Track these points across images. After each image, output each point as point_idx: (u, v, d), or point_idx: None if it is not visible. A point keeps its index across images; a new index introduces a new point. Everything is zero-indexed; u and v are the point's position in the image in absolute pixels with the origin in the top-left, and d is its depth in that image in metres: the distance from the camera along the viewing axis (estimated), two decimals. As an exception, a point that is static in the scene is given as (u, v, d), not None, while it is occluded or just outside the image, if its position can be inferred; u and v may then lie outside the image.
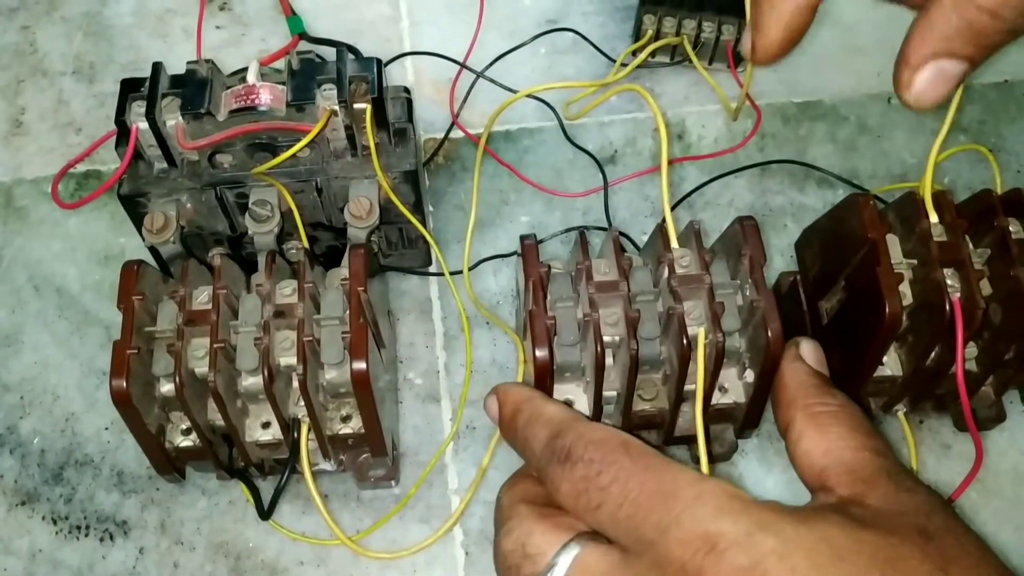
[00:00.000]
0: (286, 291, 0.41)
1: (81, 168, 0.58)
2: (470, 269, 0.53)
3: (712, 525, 0.29)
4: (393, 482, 0.47)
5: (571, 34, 0.63)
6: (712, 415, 0.43)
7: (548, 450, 0.34)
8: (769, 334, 0.38)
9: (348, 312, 0.40)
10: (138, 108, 0.43)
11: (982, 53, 0.31)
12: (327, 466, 0.44)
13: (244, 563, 0.46)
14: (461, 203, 0.56)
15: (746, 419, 0.43)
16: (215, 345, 0.38)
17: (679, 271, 0.40)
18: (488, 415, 0.40)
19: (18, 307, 0.53)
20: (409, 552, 0.45)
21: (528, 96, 0.60)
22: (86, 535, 0.47)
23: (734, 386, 0.42)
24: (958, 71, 0.31)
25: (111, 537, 0.47)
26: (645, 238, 0.54)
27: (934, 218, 0.41)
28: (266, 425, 0.42)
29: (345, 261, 0.44)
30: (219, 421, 0.40)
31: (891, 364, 0.44)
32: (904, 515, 0.30)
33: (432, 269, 0.54)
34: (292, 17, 0.62)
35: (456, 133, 0.59)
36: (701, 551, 0.28)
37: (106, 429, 0.50)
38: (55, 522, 0.47)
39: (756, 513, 0.29)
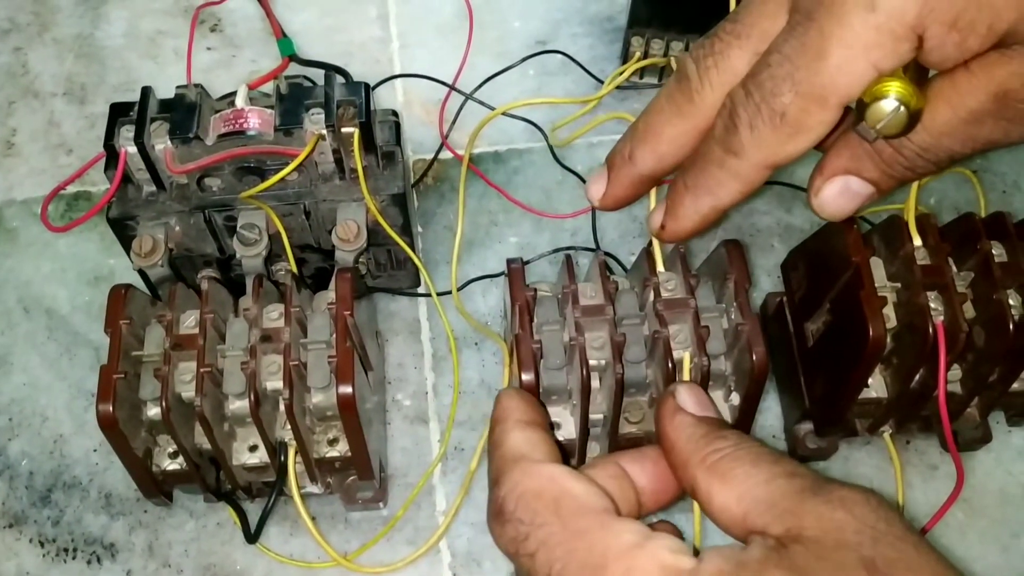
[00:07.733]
0: (273, 315, 0.41)
1: (72, 189, 0.58)
2: (459, 289, 0.54)
3: None
4: (381, 504, 0.47)
5: (560, 56, 0.63)
6: (698, 437, 0.43)
7: (490, 495, 0.31)
8: (754, 358, 0.38)
9: (335, 336, 0.41)
10: (127, 132, 0.43)
11: (887, 181, 0.33)
12: (314, 489, 0.44)
13: (231, 586, 0.46)
14: (450, 224, 0.57)
15: (732, 441, 0.43)
16: (201, 370, 0.39)
17: (664, 295, 0.40)
18: None
19: (7, 328, 0.53)
20: (394, 568, 0.46)
21: (513, 116, 0.60)
22: (73, 558, 0.47)
23: (720, 409, 0.42)
24: (864, 192, 0.33)
25: (98, 560, 0.47)
26: (633, 258, 0.54)
27: (918, 241, 0.41)
28: (253, 448, 0.42)
29: (333, 284, 0.45)
30: (206, 445, 0.40)
31: (876, 386, 0.44)
32: (847, 546, 0.26)
33: (421, 290, 0.54)
34: (283, 39, 0.62)
35: (445, 154, 0.59)
36: None
37: (94, 451, 0.50)
38: (42, 545, 0.47)
39: None
